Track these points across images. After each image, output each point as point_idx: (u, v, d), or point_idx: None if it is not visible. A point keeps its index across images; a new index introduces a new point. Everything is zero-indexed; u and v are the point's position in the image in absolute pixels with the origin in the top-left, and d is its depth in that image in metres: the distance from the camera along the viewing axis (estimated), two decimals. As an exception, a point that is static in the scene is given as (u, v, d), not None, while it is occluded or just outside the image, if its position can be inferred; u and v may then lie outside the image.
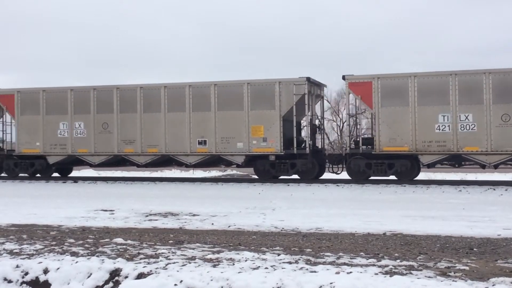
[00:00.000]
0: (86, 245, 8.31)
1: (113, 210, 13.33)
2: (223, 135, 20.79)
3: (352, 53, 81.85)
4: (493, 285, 5.63)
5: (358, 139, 20.46)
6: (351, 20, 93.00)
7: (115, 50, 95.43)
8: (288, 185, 19.77)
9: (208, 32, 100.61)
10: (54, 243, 8.58)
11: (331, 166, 21.14)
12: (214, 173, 31.37)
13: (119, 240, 8.73)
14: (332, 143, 39.42)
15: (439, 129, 18.64)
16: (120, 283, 6.49)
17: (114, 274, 6.68)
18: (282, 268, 6.46)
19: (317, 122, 21.63)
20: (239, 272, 6.31)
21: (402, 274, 6.08)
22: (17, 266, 7.14)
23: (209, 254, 7.50)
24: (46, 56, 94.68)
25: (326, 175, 21.66)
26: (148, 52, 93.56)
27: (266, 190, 18.13)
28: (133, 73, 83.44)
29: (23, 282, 6.98)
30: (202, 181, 21.98)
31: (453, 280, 5.79)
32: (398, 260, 6.90)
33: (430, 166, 19.75)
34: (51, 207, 14.15)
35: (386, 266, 6.55)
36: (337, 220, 10.99)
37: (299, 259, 7.04)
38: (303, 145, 20.63)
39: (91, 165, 23.13)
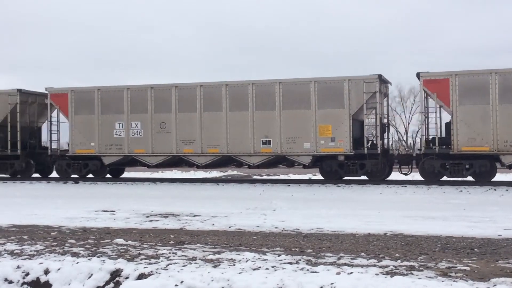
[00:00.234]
0: (87, 246, 8.31)
1: (114, 211, 13.34)
2: (289, 135, 20.16)
3: (352, 53, 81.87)
4: (494, 286, 5.63)
5: (432, 138, 19.44)
6: (351, 20, 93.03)
7: (115, 50, 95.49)
8: (289, 185, 19.78)
9: (208, 32, 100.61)
10: (55, 243, 8.59)
11: (399, 167, 20.38)
12: (214, 173, 31.36)
13: (120, 240, 8.73)
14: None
15: None
16: (121, 284, 6.49)
17: (115, 274, 6.68)
18: (283, 269, 6.46)
19: (385, 121, 20.89)
20: (239, 273, 6.31)
21: (403, 275, 6.08)
22: (18, 267, 7.14)
23: (210, 254, 7.50)
24: (46, 56, 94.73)
25: (393, 176, 21.06)
26: (147, 53, 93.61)
27: (267, 191, 18.13)
28: (134, 73, 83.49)
29: (24, 283, 6.98)
30: (202, 182, 21.96)
31: (454, 281, 5.79)
32: (399, 261, 6.90)
33: None
34: (51, 207, 14.16)
35: (387, 266, 6.55)
36: (338, 221, 10.99)
37: (300, 260, 7.04)
38: (368, 144, 19.94)
39: (148, 166, 22.43)
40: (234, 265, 6.75)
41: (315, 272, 6.28)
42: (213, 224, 10.86)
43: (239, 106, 20.70)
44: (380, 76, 19.69)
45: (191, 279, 6.15)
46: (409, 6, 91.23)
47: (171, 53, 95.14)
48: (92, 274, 6.73)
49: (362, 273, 6.15)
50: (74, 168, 22.85)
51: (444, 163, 18.85)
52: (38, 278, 6.95)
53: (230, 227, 10.49)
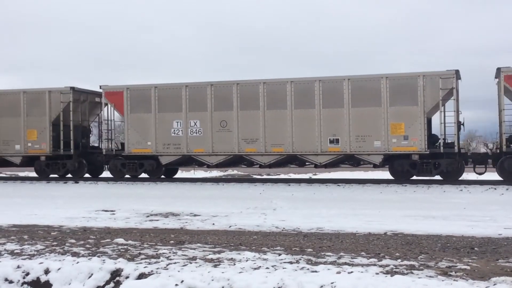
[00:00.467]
0: (87, 246, 8.31)
1: (114, 211, 13.33)
2: (358, 133, 19.60)
3: (352, 53, 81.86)
4: (494, 285, 5.62)
5: (510, 137, 19.03)
6: (351, 20, 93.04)
7: (115, 50, 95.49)
8: (289, 185, 19.78)
9: (208, 32, 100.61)
10: (55, 243, 8.59)
11: (474, 166, 19.81)
12: (215, 173, 31.37)
13: (120, 240, 8.73)
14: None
15: None
16: (121, 283, 6.49)
17: (115, 274, 6.69)
18: (283, 268, 6.46)
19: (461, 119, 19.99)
20: (240, 272, 6.31)
21: (403, 274, 6.08)
22: (18, 267, 7.14)
23: (210, 254, 7.51)
24: (46, 56, 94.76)
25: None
26: (147, 53, 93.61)
27: (267, 190, 18.13)
28: (134, 73, 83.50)
29: (24, 283, 6.98)
30: (203, 182, 21.96)
31: (454, 280, 5.79)
32: (399, 260, 6.90)
33: None
34: (52, 207, 14.16)
35: (387, 265, 6.55)
36: (338, 220, 10.98)
37: (300, 259, 7.04)
38: (437, 143, 19.54)
39: (208, 166, 22.01)
40: (234, 264, 6.75)
41: (315, 271, 6.28)
42: (213, 224, 10.86)
43: (305, 103, 20.13)
44: (457, 72, 19.08)
45: (191, 279, 6.15)
46: (409, 6, 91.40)
47: (171, 53, 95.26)
48: (92, 274, 6.73)
49: (362, 272, 6.15)
50: (130, 168, 22.33)
51: None
52: (38, 278, 6.95)
53: (230, 226, 10.49)
